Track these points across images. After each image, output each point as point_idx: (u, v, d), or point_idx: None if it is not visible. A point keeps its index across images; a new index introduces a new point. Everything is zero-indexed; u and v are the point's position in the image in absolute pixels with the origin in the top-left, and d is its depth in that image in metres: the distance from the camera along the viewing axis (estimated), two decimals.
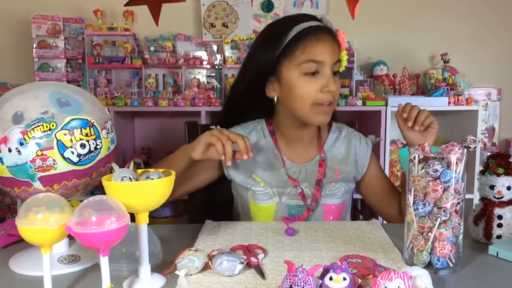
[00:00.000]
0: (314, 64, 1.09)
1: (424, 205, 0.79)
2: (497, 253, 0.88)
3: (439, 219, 0.78)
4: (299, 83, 1.10)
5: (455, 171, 0.78)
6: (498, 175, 0.91)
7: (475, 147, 0.84)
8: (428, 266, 0.80)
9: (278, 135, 1.23)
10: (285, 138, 1.22)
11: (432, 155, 0.79)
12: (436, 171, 0.77)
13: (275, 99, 1.17)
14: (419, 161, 0.80)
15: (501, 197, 0.92)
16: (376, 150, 2.53)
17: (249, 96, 1.20)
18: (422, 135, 1.14)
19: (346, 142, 1.26)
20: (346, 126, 1.31)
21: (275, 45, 1.12)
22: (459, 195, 0.79)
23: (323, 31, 1.12)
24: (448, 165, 0.78)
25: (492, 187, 0.92)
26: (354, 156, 1.26)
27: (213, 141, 1.00)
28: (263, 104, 1.20)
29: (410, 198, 0.81)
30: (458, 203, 0.79)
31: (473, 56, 2.74)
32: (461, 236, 0.81)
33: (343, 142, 1.26)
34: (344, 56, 1.17)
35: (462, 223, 0.81)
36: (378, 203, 1.30)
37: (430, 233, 0.79)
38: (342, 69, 1.17)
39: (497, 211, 0.92)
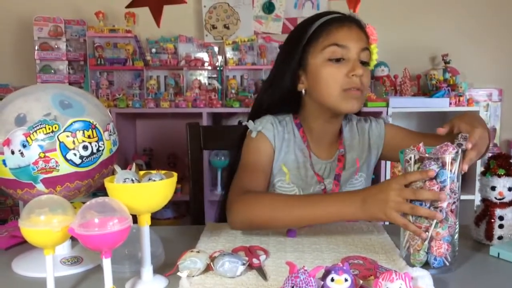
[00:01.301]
0: (339, 49, 1.07)
1: (421, 205, 0.79)
2: (498, 254, 0.88)
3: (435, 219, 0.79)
4: (324, 69, 1.08)
5: (450, 171, 0.78)
6: (499, 176, 0.91)
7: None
8: (425, 265, 0.80)
9: (305, 130, 1.20)
10: (311, 133, 1.20)
11: (427, 155, 0.79)
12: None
13: (303, 91, 1.15)
14: (415, 162, 0.80)
15: (502, 198, 0.92)
16: None
17: (277, 91, 1.18)
18: None
19: (360, 129, 1.25)
20: (354, 115, 1.28)
21: (301, 36, 1.12)
22: (455, 194, 0.80)
23: (350, 20, 1.10)
24: (443, 165, 0.78)
25: (493, 188, 0.92)
26: (368, 140, 1.25)
27: (401, 222, 0.81)
28: (290, 100, 1.18)
29: None
30: (454, 202, 0.80)
31: (474, 56, 2.75)
32: (456, 235, 0.82)
33: (357, 130, 1.25)
34: (375, 49, 1.14)
35: (457, 222, 0.81)
36: None
37: (427, 233, 0.79)
38: (373, 62, 1.13)
39: (498, 212, 0.93)
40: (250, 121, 1.18)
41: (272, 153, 1.16)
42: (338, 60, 1.07)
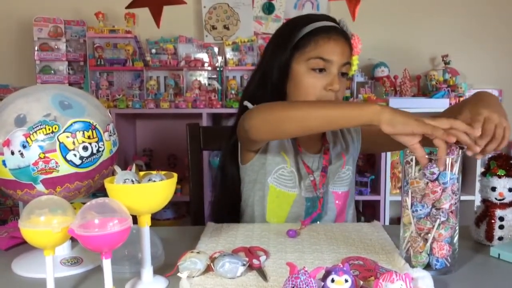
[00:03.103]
0: (322, 62, 1.11)
1: (423, 206, 0.79)
2: (499, 254, 0.88)
3: (438, 220, 0.79)
4: (305, 77, 1.13)
5: (452, 172, 0.78)
6: (500, 176, 0.91)
7: None
8: (426, 267, 0.80)
9: None
10: None
11: (427, 157, 0.79)
12: (433, 173, 0.78)
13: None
14: (416, 163, 0.80)
15: (503, 199, 0.92)
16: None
17: (263, 88, 1.19)
18: None
19: None
20: None
21: (289, 39, 1.15)
22: (456, 195, 0.80)
23: (337, 32, 1.14)
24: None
25: (493, 188, 0.92)
26: (350, 135, 1.30)
27: (431, 132, 0.77)
28: (276, 97, 1.18)
29: (408, 200, 0.82)
30: (455, 203, 0.80)
31: (474, 57, 2.75)
32: (456, 236, 0.82)
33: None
34: (355, 61, 1.19)
35: (457, 223, 0.81)
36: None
37: (428, 234, 0.79)
38: (352, 73, 1.19)
39: (499, 212, 0.93)
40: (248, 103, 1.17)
41: None
42: (320, 70, 1.12)
